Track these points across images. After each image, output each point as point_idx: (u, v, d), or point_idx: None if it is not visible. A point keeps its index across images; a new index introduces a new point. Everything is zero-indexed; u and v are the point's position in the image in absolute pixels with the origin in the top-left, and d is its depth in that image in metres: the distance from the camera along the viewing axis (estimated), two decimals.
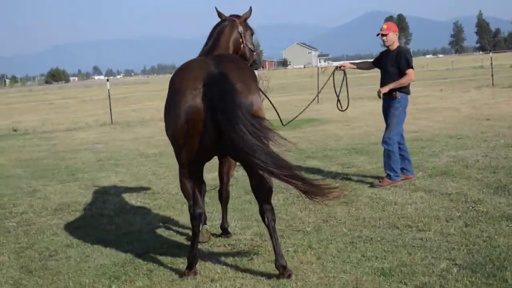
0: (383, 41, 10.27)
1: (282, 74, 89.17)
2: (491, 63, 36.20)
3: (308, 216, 8.41)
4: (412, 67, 10.02)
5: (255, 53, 8.15)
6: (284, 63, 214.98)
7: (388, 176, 9.98)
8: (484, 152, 12.28)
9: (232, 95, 5.97)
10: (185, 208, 9.29)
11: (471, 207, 8.21)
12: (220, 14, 7.85)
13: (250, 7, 8.16)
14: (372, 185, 10.04)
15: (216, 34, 7.71)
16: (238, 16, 7.88)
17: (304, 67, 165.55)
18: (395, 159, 10.04)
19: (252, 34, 8.11)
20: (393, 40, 10.20)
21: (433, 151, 12.82)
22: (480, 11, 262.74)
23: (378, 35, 10.42)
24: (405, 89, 10.15)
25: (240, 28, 7.77)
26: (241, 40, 7.80)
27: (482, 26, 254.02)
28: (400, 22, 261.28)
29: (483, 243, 6.75)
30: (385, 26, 10.31)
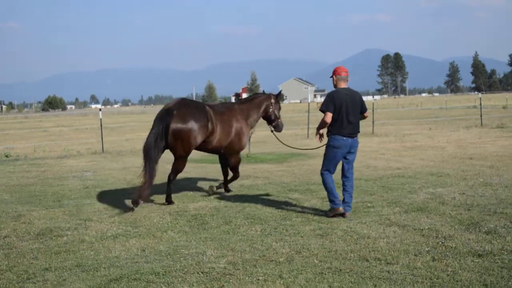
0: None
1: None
2: (480, 103, 36.65)
3: (282, 247, 8.62)
4: (323, 110, 10.61)
5: (279, 120, 14.23)
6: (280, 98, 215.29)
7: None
8: (462, 190, 12.55)
9: None
10: (165, 236, 9.55)
11: (440, 243, 8.46)
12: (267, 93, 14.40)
13: (280, 91, 15.15)
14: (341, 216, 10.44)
15: (254, 95, 14.32)
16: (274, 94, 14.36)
17: (300, 102, 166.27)
18: (327, 190, 10.66)
19: (279, 108, 14.36)
20: (333, 83, 10.85)
21: (412, 188, 13.08)
22: (476, 52, 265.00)
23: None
24: (332, 130, 10.61)
25: (272, 100, 14.04)
26: (270, 107, 14.02)
27: (477, 67, 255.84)
28: (397, 61, 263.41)
29: (446, 277, 6.99)
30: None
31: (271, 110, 13.96)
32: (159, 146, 12.15)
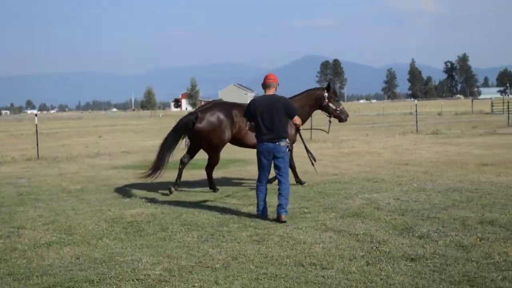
0: None
1: None
2: (416, 110, 37.35)
3: (219, 253, 8.61)
4: (244, 116, 11.52)
5: (338, 110, 15.10)
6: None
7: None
8: (396, 195, 12.76)
9: None
10: (100, 243, 9.43)
11: (375, 247, 8.57)
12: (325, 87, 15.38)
13: (328, 83, 15.52)
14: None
15: (306, 91, 15.51)
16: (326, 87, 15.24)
17: None
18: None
19: (337, 100, 15.30)
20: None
21: (348, 193, 13.24)
22: (412, 59, 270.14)
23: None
24: (256, 136, 11.16)
25: (325, 94, 14.99)
26: (323, 100, 15.01)
27: (414, 74, 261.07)
28: (336, 67, 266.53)
29: (380, 281, 7.09)
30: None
31: (324, 103, 15.01)
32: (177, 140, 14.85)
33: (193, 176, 17.50)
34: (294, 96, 15.20)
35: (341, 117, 15.27)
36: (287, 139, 10.88)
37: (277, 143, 10.77)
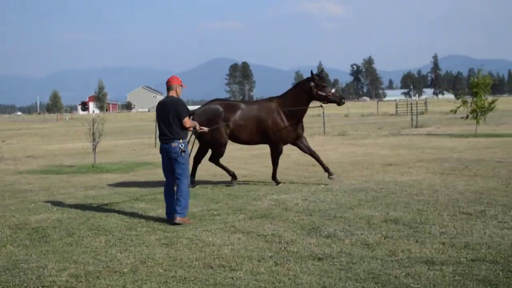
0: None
1: (125, 117, 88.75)
2: (323, 112, 37.99)
3: (127, 257, 8.51)
4: None
5: (330, 94, 15.00)
6: (128, 106, 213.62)
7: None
8: (304, 196, 12.94)
9: None
10: (3, 251, 9.16)
11: (283, 248, 8.68)
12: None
13: (311, 71, 15.55)
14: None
15: (294, 86, 16.08)
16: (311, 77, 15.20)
17: (149, 111, 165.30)
18: None
19: (324, 85, 15.15)
20: None
21: (257, 195, 13.33)
22: (320, 62, 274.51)
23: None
24: None
25: (312, 84, 14.98)
26: (312, 90, 14.96)
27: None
28: (245, 70, 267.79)
29: (288, 281, 7.18)
30: None
31: (314, 93, 14.96)
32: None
33: (100, 180, 17.22)
34: (286, 93, 15.68)
35: (336, 100, 15.08)
36: (180, 140, 10.90)
37: (169, 143, 10.87)
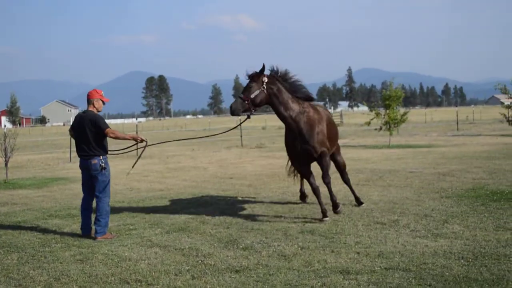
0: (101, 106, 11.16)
1: (39, 131, 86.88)
2: (240, 125, 38.13)
3: (40, 274, 8.31)
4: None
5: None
6: (42, 121, 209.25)
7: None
8: (221, 208, 12.96)
9: None
10: None
11: (200, 261, 8.66)
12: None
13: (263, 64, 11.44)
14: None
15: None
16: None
17: (64, 125, 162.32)
18: None
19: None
20: None
21: (174, 208, 13.27)
22: (236, 75, 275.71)
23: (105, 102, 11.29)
24: None
25: (263, 86, 11.23)
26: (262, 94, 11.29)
27: (238, 89, 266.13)
28: (161, 83, 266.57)
29: None
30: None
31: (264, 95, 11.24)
32: None
33: (13, 196, 16.76)
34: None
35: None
36: (100, 157, 10.71)
37: (89, 160, 10.68)
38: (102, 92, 11.16)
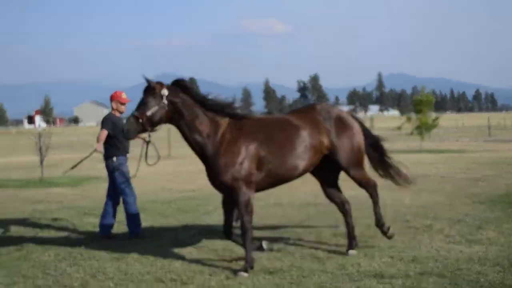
0: (124, 108, 11.18)
1: (72, 131, 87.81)
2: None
3: (77, 271, 8.46)
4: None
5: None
6: (75, 120, 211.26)
7: None
8: (254, 210, 12.96)
9: None
10: None
11: (234, 262, 8.73)
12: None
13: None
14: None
15: None
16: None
17: (97, 125, 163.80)
18: None
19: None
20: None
21: (206, 209, 13.36)
22: (267, 78, 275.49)
23: (125, 104, 11.16)
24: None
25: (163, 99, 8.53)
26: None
27: (268, 92, 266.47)
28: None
29: None
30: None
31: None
32: None
33: (49, 194, 16.98)
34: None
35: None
36: (114, 158, 10.83)
37: (105, 161, 10.94)
38: (123, 94, 11.15)
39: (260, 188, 8.96)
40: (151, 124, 8.52)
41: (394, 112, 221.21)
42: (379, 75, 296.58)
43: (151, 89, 8.55)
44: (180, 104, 8.53)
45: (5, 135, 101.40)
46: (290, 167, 8.82)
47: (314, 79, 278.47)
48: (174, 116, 8.55)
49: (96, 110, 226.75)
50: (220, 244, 9.86)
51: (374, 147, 10.14)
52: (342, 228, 10.15)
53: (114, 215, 10.98)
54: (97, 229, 11.27)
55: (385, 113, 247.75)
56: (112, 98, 11.08)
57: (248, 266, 8.18)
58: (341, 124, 9.25)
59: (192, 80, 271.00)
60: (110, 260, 9.07)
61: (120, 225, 11.37)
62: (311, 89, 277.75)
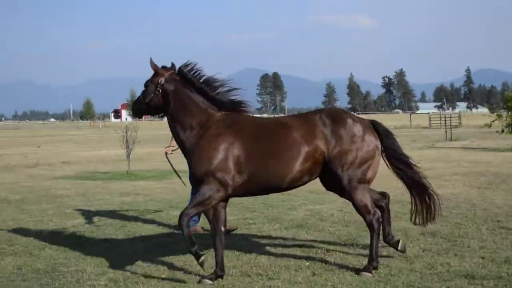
0: None
1: (158, 125, 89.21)
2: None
3: (164, 263, 8.58)
4: None
5: None
6: (162, 115, 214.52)
7: None
8: (339, 206, 12.86)
9: None
10: (42, 254, 9.25)
11: (320, 258, 8.65)
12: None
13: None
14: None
15: None
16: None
17: None
18: None
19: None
20: None
21: (292, 205, 13.32)
22: (351, 73, 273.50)
23: None
24: None
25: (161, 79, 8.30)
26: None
27: (353, 88, 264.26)
28: (276, 80, 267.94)
29: None
30: None
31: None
32: None
33: (135, 187, 17.30)
34: None
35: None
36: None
37: None
38: None
39: (240, 193, 8.13)
40: (150, 109, 8.49)
41: (483, 109, 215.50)
42: (468, 70, 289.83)
43: (154, 75, 8.32)
44: (171, 93, 8.21)
45: (93, 128, 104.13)
46: (276, 174, 7.89)
47: (400, 74, 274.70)
48: (164, 105, 8.29)
49: None
50: (306, 240, 9.81)
51: (399, 166, 9.15)
52: (431, 227, 9.94)
53: None
54: None
55: (474, 110, 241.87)
56: None
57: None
58: (345, 131, 8.03)
59: (275, 75, 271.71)
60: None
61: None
62: (396, 85, 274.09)
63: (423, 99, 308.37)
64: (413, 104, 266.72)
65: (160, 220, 11.89)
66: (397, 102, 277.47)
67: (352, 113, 8.69)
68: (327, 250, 9.08)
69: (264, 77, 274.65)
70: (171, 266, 8.41)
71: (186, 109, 8.17)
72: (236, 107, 8.27)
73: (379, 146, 8.45)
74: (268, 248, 9.37)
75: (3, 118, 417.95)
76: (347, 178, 8.03)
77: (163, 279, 7.79)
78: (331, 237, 10.03)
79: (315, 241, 9.73)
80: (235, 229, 10.64)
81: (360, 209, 8.22)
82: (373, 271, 7.81)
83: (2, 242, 10.22)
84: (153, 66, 8.36)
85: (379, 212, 8.39)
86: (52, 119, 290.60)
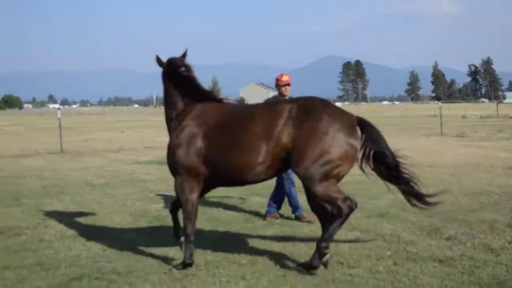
0: (285, 90, 10.83)
1: None
2: (440, 113, 37.17)
3: (245, 249, 8.62)
4: None
5: None
6: (241, 101, 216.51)
7: None
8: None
9: None
10: (126, 237, 9.44)
11: (402, 248, 8.52)
12: None
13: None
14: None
15: None
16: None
17: None
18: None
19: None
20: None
21: (374, 194, 13.14)
22: (436, 61, 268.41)
23: (284, 85, 10.84)
24: None
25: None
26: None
27: (437, 76, 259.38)
28: (358, 68, 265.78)
29: (408, 281, 7.04)
30: (287, 78, 10.93)
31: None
32: None
33: None
34: None
35: None
36: None
37: None
38: (283, 76, 11.01)
39: (212, 184, 8.06)
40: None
41: None
42: None
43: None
44: (165, 86, 8.35)
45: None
46: (236, 168, 7.56)
47: (487, 62, 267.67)
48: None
49: (261, 91, 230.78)
50: (386, 229, 9.69)
51: (384, 164, 8.60)
52: (487, 204, 9.68)
53: (280, 197, 11.05)
54: (264, 209, 11.41)
55: None
56: (276, 81, 11.06)
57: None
58: (313, 126, 7.31)
59: (357, 62, 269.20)
60: (276, 239, 9.17)
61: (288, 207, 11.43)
62: (482, 73, 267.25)
63: (510, 88, 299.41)
64: (500, 93, 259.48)
65: (241, 207, 11.95)
66: (483, 91, 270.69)
67: (337, 106, 8.06)
68: (410, 240, 8.94)
69: (346, 65, 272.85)
70: (252, 252, 8.42)
71: (170, 101, 8.29)
72: (209, 97, 8.24)
73: (357, 146, 7.66)
74: (349, 236, 9.30)
75: (88, 104, 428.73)
76: (306, 172, 7.34)
77: (243, 265, 7.83)
78: (413, 227, 9.87)
79: (397, 230, 9.59)
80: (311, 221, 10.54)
81: (325, 201, 7.72)
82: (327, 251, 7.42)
83: (87, 224, 10.49)
84: (158, 61, 8.35)
85: (353, 199, 7.85)
86: (136, 105, 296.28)
